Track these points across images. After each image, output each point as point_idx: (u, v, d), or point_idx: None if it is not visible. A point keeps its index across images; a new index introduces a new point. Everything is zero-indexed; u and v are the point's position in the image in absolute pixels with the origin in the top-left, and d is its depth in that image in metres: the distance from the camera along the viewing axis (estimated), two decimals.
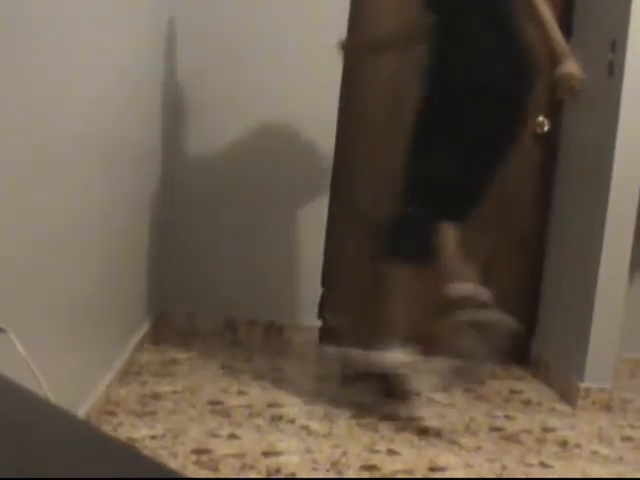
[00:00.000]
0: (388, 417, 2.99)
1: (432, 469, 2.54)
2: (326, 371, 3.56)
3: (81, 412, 2.35)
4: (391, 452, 2.65)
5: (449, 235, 2.97)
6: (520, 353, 3.99)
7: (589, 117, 3.57)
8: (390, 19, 3.83)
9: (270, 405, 3.00)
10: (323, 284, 3.93)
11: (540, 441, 2.91)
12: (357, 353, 3.39)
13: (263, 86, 3.78)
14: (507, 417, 3.15)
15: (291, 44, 3.74)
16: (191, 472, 2.31)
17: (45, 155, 1.91)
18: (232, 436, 2.65)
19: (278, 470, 2.40)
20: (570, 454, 2.81)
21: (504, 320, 2.95)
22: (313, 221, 3.86)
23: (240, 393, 3.10)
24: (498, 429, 3.00)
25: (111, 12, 2.47)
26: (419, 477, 2.48)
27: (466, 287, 2.92)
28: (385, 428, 2.88)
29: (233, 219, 3.86)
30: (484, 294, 2.91)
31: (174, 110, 3.74)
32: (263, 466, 2.42)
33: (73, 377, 2.31)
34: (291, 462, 2.48)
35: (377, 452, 2.64)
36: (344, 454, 2.59)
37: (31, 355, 1.58)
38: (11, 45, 1.64)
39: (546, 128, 3.90)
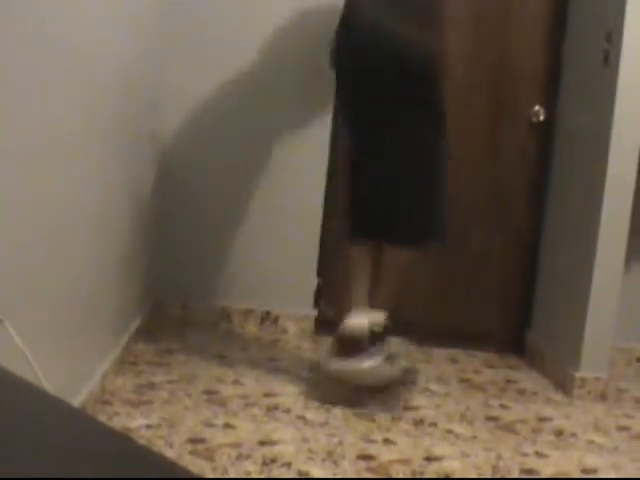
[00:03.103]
0: (384, 407, 2.99)
1: (428, 458, 2.55)
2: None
3: (77, 402, 2.35)
4: (387, 441, 2.66)
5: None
6: (516, 343, 4.00)
7: (585, 106, 3.57)
8: None
9: (266, 394, 3.00)
10: (319, 274, 3.93)
11: (536, 430, 2.92)
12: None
13: (262, 78, 3.77)
14: (503, 407, 3.16)
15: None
16: (187, 461, 2.31)
17: (42, 147, 1.91)
18: (228, 425, 2.65)
19: (274, 460, 2.40)
20: (566, 443, 2.82)
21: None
22: (309, 210, 3.85)
23: (236, 383, 3.10)
24: (494, 418, 3.01)
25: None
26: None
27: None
28: (381, 417, 2.88)
29: (229, 209, 3.85)
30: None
31: (171, 101, 3.73)
32: (259, 455, 2.42)
33: (69, 367, 2.30)
34: (287, 451, 2.48)
35: (373, 442, 2.64)
36: (340, 443, 2.59)
37: (27, 345, 1.58)
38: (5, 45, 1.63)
39: (542, 117, 3.89)
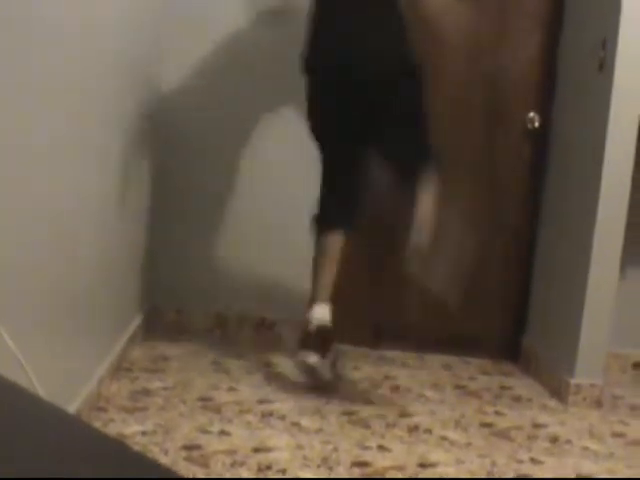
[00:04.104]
0: (379, 413, 2.99)
1: (422, 465, 2.54)
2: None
3: (72, 408, 2.34)
4: (382, 448, 2.65)
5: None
6: (511, 349, 4.00)
7: (580, 112, 3.58)
8: None
9: (261, 401, 2.99)
10: None
11: (531, 437, 2.92)
12: None
13: (260, 71, 3.78)
14: (497, 413, 3.16)
15: None
16: (182, 468, 2.31)
17: (41, 148, 1.90)
18: (223, 432, 2.64)
19: (269, 466, 2.40)
20: (561, 450, 2.82)
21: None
22: (304, 217, 3.84)
23: (231, 389, 3.10)
24: (488, 425, 3.01)
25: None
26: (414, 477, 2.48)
27: None
28: (376, 424, 2.88)
29: (224, 214, 3.85)
30: None
31: (170, 100, 3.73)
32: (254, 462, 2.42)
33: (64, 373, 2.30)
34: (282, 458, 2.48)
35: (368, 448, 2.64)
36: (335, 450, 2.59)
37: (22, 351, 1.57)
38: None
39: (537, 124, 3.90)
